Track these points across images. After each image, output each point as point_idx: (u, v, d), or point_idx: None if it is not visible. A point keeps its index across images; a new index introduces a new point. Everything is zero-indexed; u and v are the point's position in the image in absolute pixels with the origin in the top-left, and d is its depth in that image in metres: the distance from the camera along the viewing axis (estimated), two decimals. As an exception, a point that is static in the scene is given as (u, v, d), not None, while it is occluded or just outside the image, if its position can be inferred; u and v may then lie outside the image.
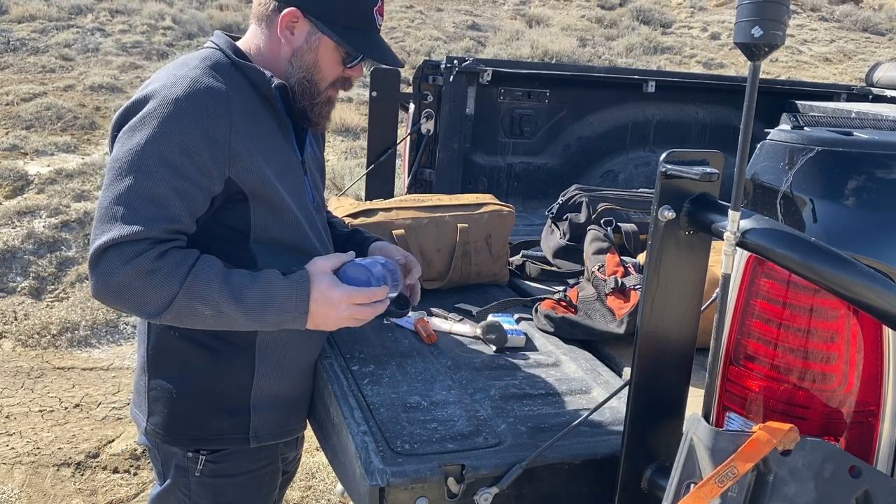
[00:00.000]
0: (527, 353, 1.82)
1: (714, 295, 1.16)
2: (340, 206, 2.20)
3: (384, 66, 2.73)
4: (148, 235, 1.36)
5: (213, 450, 1.57)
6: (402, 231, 2.09)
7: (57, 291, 4.71)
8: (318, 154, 1.76)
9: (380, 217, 2.12)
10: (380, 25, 1.58)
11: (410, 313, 2.00)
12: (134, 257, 1.34)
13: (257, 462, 1.62)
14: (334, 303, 1.42)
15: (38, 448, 3.22)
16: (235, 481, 1.60)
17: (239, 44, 1.57)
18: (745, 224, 1.09)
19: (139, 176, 1.36)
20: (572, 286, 2.10)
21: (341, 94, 1.67)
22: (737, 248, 1.09)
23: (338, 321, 1.45)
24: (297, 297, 1.41)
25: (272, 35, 1.53)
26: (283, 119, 1.55)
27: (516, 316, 2.00)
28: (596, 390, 1.65)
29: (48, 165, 6.22)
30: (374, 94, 2.82)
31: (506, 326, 1.86)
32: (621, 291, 1.89)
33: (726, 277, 1.09)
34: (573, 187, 2.51)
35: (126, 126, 1.41)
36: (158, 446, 1.61)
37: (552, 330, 1.93)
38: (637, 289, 1.87)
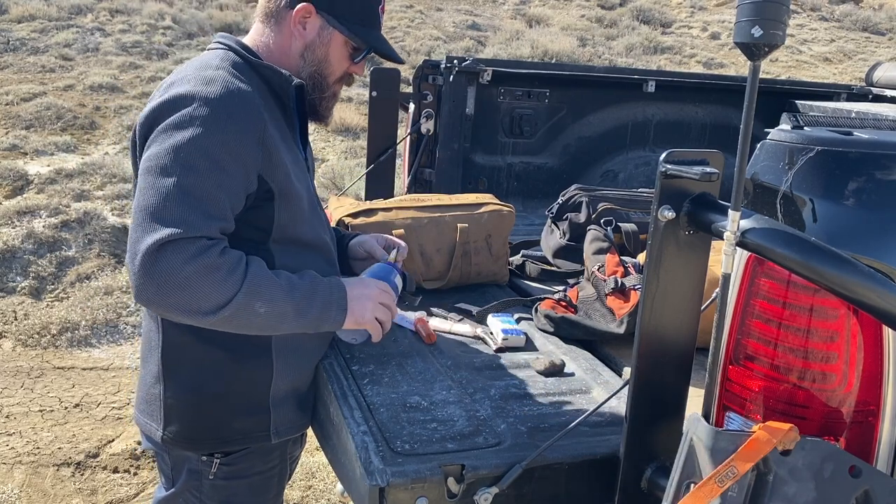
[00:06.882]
0: (527, 353, 1.82)
1: (714, 295, 1.16)
2: (340, 206, 2.20)
3: (384, 66, 2.73)
4: (205, 234, 1.34)
5: (230, 451, 1.57)
6: (402, 231, 2.08)
7: (57, 291, 4.70)
8: (311, 152, 1.78)
9: (380, 217, 2.12)
10: (381, 24, 1.62)
11: (410, 313, 2.00)
12: (198, 255, 1.31)
13: (269, 462, 1.63)
14: (369, 288, 1.54)
15: (38, 448, 3.22)
16: (248, 482, 1.61)
17: (246, 42, 1.58)
18: (745, 224, 1.08)
19: (187, 173, 1.34)
20: (572, 286, 2.10)
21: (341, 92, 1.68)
22: (737, 248, 1.09)
23: (374, 310, 1.53)
24: (338, 294, 1.49)
25: (282, 31, 1.55)
26: (292, 117, 1.57)
27: (516, 316, 2.00)
28: (596, 390, 1.65)
29: (48, 165, 6.22)
30: (374, 93, 2.82)
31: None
32: (621, 291, 1.89)
33: (726, 277, 1.09)
34: (573, 187, 2.51)
35: (162, 125, 1.38)
36: (169, 451, 1.60)
37: (552, 330, 1.93)
38: (637, 289, 1.87)
